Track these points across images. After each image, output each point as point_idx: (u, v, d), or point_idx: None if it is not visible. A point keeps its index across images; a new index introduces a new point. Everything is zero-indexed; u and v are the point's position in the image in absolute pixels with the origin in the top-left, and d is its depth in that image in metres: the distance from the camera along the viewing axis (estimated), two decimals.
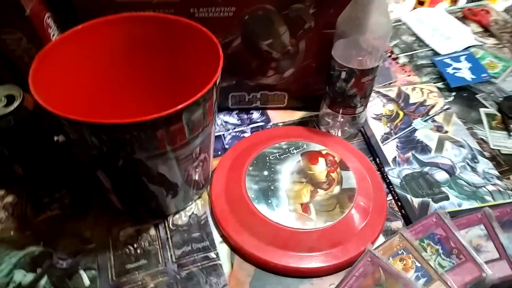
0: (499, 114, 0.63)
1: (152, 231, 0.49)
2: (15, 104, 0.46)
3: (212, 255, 0.47)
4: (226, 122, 0.63)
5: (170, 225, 0.50)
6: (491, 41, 0.78)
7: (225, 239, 0.48)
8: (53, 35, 0.51)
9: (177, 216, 0.51)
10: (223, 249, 0.48)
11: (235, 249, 0.47)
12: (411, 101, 0.65)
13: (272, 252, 0.45)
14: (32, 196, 0.53)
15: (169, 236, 0.49)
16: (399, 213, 0.51)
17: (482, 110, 0.64)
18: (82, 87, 0.47)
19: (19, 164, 0.53)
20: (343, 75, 0.52)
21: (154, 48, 0.50)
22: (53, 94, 0.41)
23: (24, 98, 0.48)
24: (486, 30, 0.81)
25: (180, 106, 0.37)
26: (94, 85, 0.49)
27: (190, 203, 0.52)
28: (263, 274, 0.45)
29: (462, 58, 0.72)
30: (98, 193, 0.52)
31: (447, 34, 0.79)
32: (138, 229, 0.50)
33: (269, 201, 0.49)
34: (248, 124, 0.63)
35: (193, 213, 0.51)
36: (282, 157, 0.54)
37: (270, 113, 0.65)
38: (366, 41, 0.49)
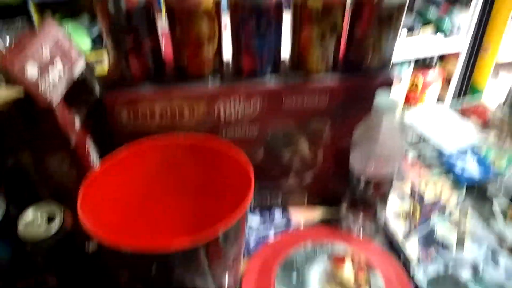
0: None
1: None
2: (57, 225, 0.49)
3: None
4: (249, 222, 0.66)
5: None
6: (492, 135, 0.83)
7: None
8: (93, 160, 0.55)
9: None
10: None
11: None
12: (426, 196, 0.68)
13: None
14: None
15: None
16: None
17: (495, 204, 0.67)
18: (122, 210, 0.51)
19: (53, 275, 0.54)
20: (362, 183, 0.55)
21: (186, 168, 0.54)
22: (97, 218, 0.44)
23: (64, 217, 0.51)
24: (485, 125, 0.86)
25: (218, 229, 0.39)
26: (132, 207, 0.52)
27: None
28: None
29: (468, 155, 0.76)
30: None
31: (450, 131, 0.84)
32: None
33: None
34: (271, 223, 0.65)
35: None
36: (308, 260, 0.56)
37: (291, 210, 0.68)
38: (380, 151, 0.53)
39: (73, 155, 0.52)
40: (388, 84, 0.53)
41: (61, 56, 0.51)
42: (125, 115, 0.53)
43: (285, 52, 0.55)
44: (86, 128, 0.54)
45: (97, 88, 0.58)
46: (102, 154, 0.56)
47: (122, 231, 0.48)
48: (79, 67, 0.56)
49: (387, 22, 0.50)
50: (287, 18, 0.51)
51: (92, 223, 0.40)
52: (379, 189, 0.56)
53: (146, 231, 0.52)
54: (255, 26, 0.49)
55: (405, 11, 0.50)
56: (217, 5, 0.48)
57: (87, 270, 0.56)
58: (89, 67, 0.60)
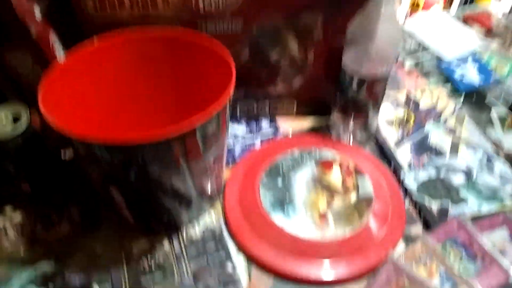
0: (510, 116, 0.63)
1: (166, 244, 0.48)
2: (23, 125, 0.46)
3: (229, 266, 0.46)
4: (234, 131, 0.62)
5: (184, 237, 0.49)
6: (495, 43, 0.78)
7: (241, 250, 0.47)
8: (58, 53, 0.50)
9: (191, 227, 0.50)
10: (239, 261, 0.46)
11: (252, 260, 0.46)
12: (422, 104, 0.64)
13: (291, 262, 0.44)
14: (40, 214, 0.52)
15: (183, 248, 0.48)
16: (418, 218, 0.50)
17: (493, 112, 0.63)
18: (91, 106, 0.46)
19: (26, 182, 0.52)
20: (354, 83, 0.51)
21: (163, 63, 0.49)
22: (63, 113, 0.40)
23: (31, 117, 0.47)
24: (488, 33, 0.81)
25: (194, 122, 0.36)
26: (102, 103, 0.48)
27: (204, 214, 0.51)
28: (283, 284, 0.44)
29: (469, 62, 0.72)
30: (108, 208, 0.51)
31: (451, 38, 0.78)
32: (151, 242, 0.48)
33: (285, 210, 0.48)
34: (258, 133, 0.62)
35: (207, 224, 0.50)
36: (295, 165, 0.53)
37: (279, 120, 0.64)
38: (376, 48, 0.49)
39: (35, 49, 0.47)
40: None
41: None
42: (91, 3, 0.47)
43: None
44: (48, 19, 0.49)
45: None
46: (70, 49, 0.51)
47: (92, 129, 0.45)
48: None
49: None
50: None
51: (58, 119, 0.36)
52: (373, 91, 0.51)
53: (122, 127, 0.48)
54: None
55: None
56: None
57: (62, 176, 0.54)
58: None
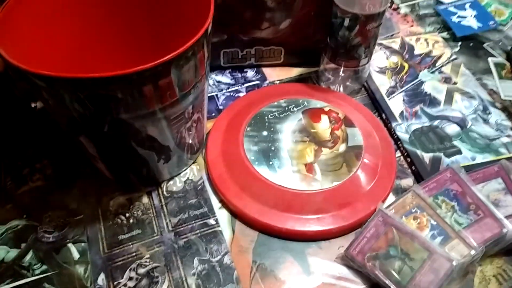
0: (508, 63, 0.59)
1: (145, 199, 0.46)
2: None
3: (211, 221, 0.44)
4: (219, 81, 0.59)
5: (164, 192, 0.46)
6: None
7: (225, 204, 0.45)
8: None
9: (171, 182, 0.47)
10: (223, 215, 0.44)
11: (236, 215, 0.44)
12: (416, 52, 0.61)
13: (276, 216, 0.42)
14: (11, 168, 0.49)
15: (163, 203, 0.45)
16: (409, 170, 0.48)
17: (490, 59, 0.60)
18: (56, 44, 0.42)
19: None
20: (346, 22, 0.47)
21: None
22: (24, 51, 0.36)
23: None
24: None
25: (168, 57, 0.32)
26: (69, 41, 0.43)
27: (185, 168, 0.48)
28: (267, 239, 0.42)
29: (467, 5, 0.67)
30: (83, 161, 0.48)
31: None
32: (130, 198, 0.46)
33: (270, 162, 0.45)
34: (243, 83, 0.58)
35: (188, 178, 0.47)
36: (281, 115, 0.50)
37: (266, 70, 0.60)
38: None
39: None
40: None
41: None
42: None
43: None
44: None
45: None
46: None
47: (55, 68, 0.41)
48: None
49: None
50: None
51: (15, 54, 0.32)
52: (365, 33, 0.48)
53: (90, 66, 0.44)
54: None
55: None
56: None
57: (33, 128, 0.50)
58: None
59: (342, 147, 0.47)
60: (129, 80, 0.32)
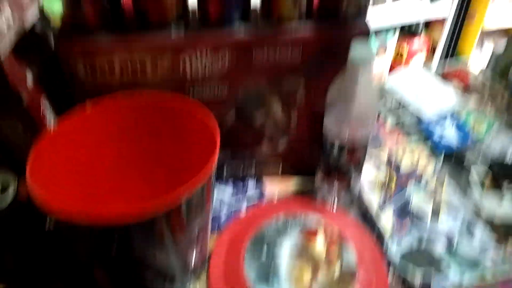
0: (490, 176, 0.64)
1: None
2: (10, 196, 0.45)
3: None
4: (221, 195, 0.63)
5: None
6: (473, 99, 0.81)
7: None
8: (49, 120, 0.51)
9: None
10: None
11: None
12: (403, 165, 0.66)
13: None
14: None
15: None
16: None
17: (472, 173, 0.65)
18: (78, 172, 0.47)
19: (11, 255, 0.50)
20: (336, 146, 0.52)
21: (151, 127, 0.50)
22: (51, 183, 0.40)
23: (20, 186, 0.47)
24: (467, 89, 0.84)
25: (180, 197, 0.36)
26: (89, 170, 0.48)
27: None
28: None
29: (447, 122, 0.74)
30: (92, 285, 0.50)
31: (430, 95, 0.81)
32: None
33: (270, 283, 0.48)
34: (244, 196, 0.62)
35: None
36: (280, 233, 0.53)
37: (265, 181, 0.65)
38: (355, 112, 0.50)
39: (25, 117, 0.48)
40: (365, 33, 0.49)
41: (9, 1, 0.45)
42: (82, 69, 0.48)
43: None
44: (40, 85, 0.50)
45: (52, 41, 0.53)
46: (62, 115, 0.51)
47: (79, 199, 0.45)
48: (31, 15, 0.51)
49: None
50: None
51: (44, 191, 0.37)
52: (354, 155, 0.53)
53: (107, 198, 0.48)
54: None
55: None
56: None
57: (46, 248, 0.53)
58: (44, 16, 0.55)
59: (337, 267, 0.49)
60: (143, 219, 0.35)
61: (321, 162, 0.57)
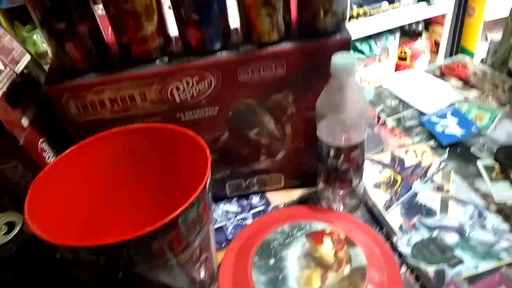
0: (497, 165, 0.63)
1: None
2: (15, 231, 0.47)
3: None
4: (226, 211, 0.63)
5: None
6: (473, 93, 0.80)
7: None
8: (48, 158, 0.52)
9: None
10: None
11: None
12: (407, 164, 0.65)
13: None
14: None
15: None
16: (416, 284, 0.49)
17: (479, 163, 0.64)
18: (78, 205, 0.48)
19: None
20: (332, 153, 0.52)
21: (145, 157, 0.51)
22: (50, 218, 0.42)
23: (25, 223, 0.48)
24: (466, 83, 0.83)
25: (171, 217, 0.37)
26: (88, 202, 0.49)
27: None
28: None
29: (448, 114, 0.73)
30: None
31: (429, 93, 0.81)
32: None
33: None
34: (249, 210, 0.62)
35: None
36: (286, 242, 0.53)
37: (269, 195, 0.65)
38: (345, 119, 0.50)
39: (24, 156, 0.49)
40: (345, 44, 0.50)
41: None
42: (73, 107, 0.50)
43: (235, 22, 0.51)
44: (37, 126, 0.52)
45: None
46: (60, 152, 0.53)
47: (79, 230, 0.46)
48: (22, 61, 0.53)
49: None
50: None
51: (41, 222, 0.38)
52: (351, 159, 0.52)
53: (106, 228, 0.49)
54: None
55: None
56: None
57: (58, 277, 0.54)
58: (35, 61, 0.57)
59: (347, 269, 0.48)
60: (139, 240, 0.36)
61: (320, 169, 0.57)
